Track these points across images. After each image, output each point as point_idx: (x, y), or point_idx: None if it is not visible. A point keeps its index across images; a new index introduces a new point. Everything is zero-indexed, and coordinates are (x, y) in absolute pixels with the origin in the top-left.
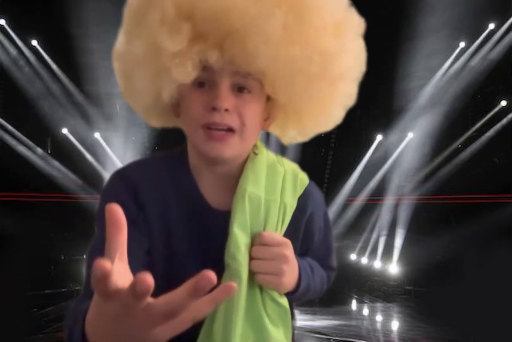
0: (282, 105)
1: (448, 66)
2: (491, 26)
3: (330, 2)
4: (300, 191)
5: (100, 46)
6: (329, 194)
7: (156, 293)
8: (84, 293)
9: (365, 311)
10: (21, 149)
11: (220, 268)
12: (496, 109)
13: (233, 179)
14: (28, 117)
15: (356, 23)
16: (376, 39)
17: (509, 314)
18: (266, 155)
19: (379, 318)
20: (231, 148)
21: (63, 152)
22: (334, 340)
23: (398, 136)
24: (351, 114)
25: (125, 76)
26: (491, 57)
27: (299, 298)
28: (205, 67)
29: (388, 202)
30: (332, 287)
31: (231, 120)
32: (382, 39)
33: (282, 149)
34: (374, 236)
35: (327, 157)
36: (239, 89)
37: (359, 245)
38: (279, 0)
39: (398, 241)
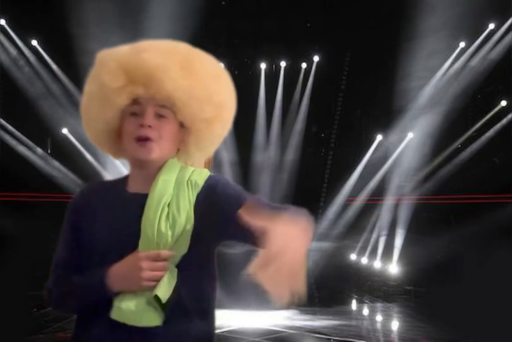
0: (188, 128)
1: (448, 66)
2: (491, 26)
3: (208, 59)
4: (204, 177)
5: (100, 46)
6: (329, 194)
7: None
8: (63, 273)
9: (365, 311)
10: (21, 149)
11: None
12: (496, 109)
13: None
14: (28, 117)
15: (224, 72)
16: (376, 39)
17: (509, 314)
18: (181, 165)
19: (379, 318)
20: (153, 152)
21: (63, 152)
22: (334, 340)
23: (398, 136)
24: (351, 114)
25: (84, 113)
26: (491, 57)
27: None
28: (136, 102)
29: (388, 202)
30: (332, 287)
31: (152, 133)
32: (382, 39)
33: (282, 149)
34: (374, 236)
35: (327, 157)
36: (159, 116)
37: (359, 245)
38: (177, 56)
39: (398, 241)
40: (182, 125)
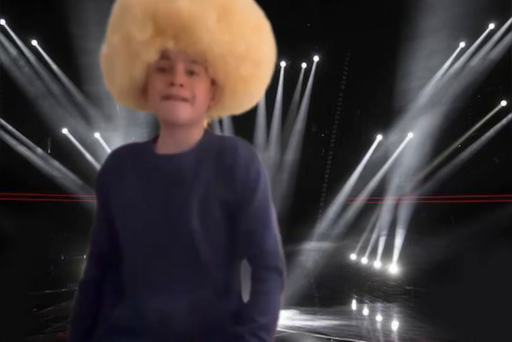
0: (221, 86)
1: (448, 66)
2: (491, 26)
3: (249, 7)
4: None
5: (100, 46)
6: (329, 194)
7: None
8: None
9: (365, 311)
10: (21, 149)
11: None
12: (496, 109)
13: (186, 142)
14: (28, 117)
15: (266, 22)
16: (376, 39)
17: (509, 314)
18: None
19: (379, 318)
20: (185, 112)
21: (63, 152)
22: (334, 340)
23: (398, 136)
24: (351, 114)
25: (107, 67)
26: (491, 57)
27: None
28: (164, 56)
29: (388, 202)
30: (332, 287)
31: (185, 92)
32: (382, 39)
33: (282, 149)
34: (374, 236)
35: (327, 157)
36: (190, 73)
37: (359, 245)
38: (214, 4)
39: (398, 241)
40: (213, 82)
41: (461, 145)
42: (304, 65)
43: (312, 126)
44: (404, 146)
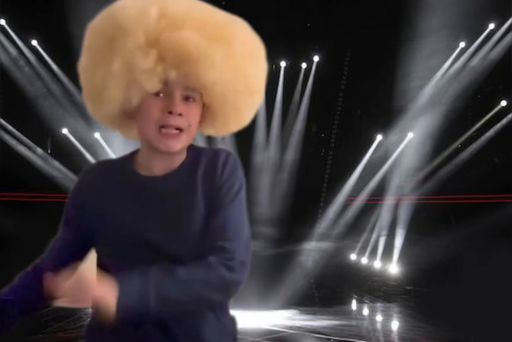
0: (214, 112)
1: (448, 66)
2: (491, 26)
3: (248, 36)
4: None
5: None
6: (329, 194)
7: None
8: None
9: (365, 311)
10: (21, 149)
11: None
12: (496, 109)
13: (172, 165)
14: (28, 117)
15: (262, 49)
16: (376, 39)
17: (509, 314)
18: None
19: (379, 318)
20: (180, 143)
21: (63, 152)
22: (334, 340)
23: (398, 136)
24: (351, 114)
25: (94, 86)
26: (491, 57)
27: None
28: (163, 81)
29: (388, 202)
30: (332, 287)
31: (182, 122)
32: (382, 39)
33: (282, 149)
34: (374, 236)
35: (327, 157)
36: (186, 99)
37: (359, 245)
38: (218, 36)
39: (398, 241)
40: (204, 104)
41: (461, 145)
42: (304, 65)
43: (312, 126)
44: (404, 146)
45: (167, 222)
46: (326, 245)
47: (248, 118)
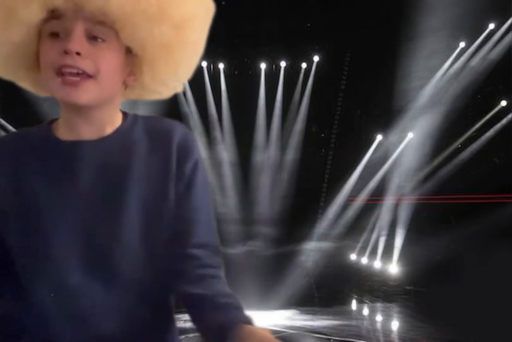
0: (139, 56)
1: (448, 66)
2: (491, 26)
3: None
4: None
5: None
6: (329, 194)
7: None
8: None
9: (365, 311)
10: None
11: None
12: (496, 109)
13: (100, 126)
14: (28, 117)
15: None
16: (376, 39)
17: (509, 314)
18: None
19: (379, 318)
20: (87, 94)
21: None
22: (334, 340)
23: (398, 136)
24: (351, 114)
25: None
26: (491, 57)
27: None
28: (58, 16)
29: (388, 202)
30: (332, 287)
31: (85, 64)
32: (382, 39)
33: (282, 149)
34: (374, 236)
35: (327, 157)
36: (94, 38)
37: (359, 245)
38: None
39: (398, 241)
40: (129, 50)
41: (461, 145)
42: (304, 65)
43: (312, 126)
44: (404, 146)
45: (96, 199)
46: (326, 245)
47: (185, 66)
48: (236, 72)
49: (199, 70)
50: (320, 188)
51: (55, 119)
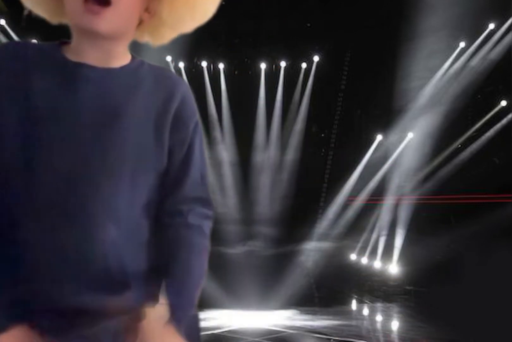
0: None
1: (448, 66)
2: (491, 26)
3: None
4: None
5: None
6: (329, 194)
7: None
8: None
9: (365, 311)
10: None
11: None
12: (496, 109)
13: (110, 57)
14: None
15: None
16: (376, 39)
17: (509, 314)
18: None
19: (379, 318)
20: (107, 23)
21: None
22: (334, 340)
23: (398, 136)
24: (351, 114)
25: None
26: (491, 57)
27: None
28: None
29: (388, 202)
30: (332, 287)
31: None
32: (382, 39)
33: (282, 150)
34: (374, 236)
35: (327, 157)
36: None
37: (359, 245)
38: None
39: (398, 241)
40: None
41: (461, 145)
42: (304, 65)
43: (312, 126)
44: (404, 146)
45: (91, 124)
46: (326, 245)
47: (204, 4)
48: (236, 72)
49: (199, 70)
50: (320, 188)
51: (66, 42)
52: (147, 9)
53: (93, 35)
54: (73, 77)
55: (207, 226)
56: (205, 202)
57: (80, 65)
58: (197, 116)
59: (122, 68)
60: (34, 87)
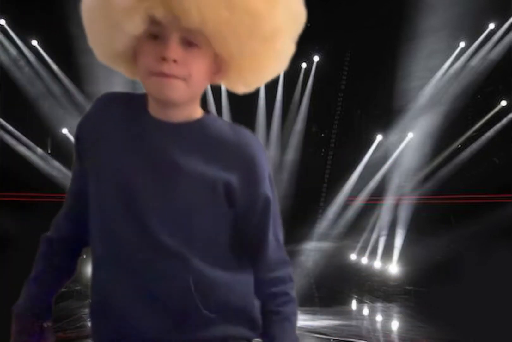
0: (226, 60)
1: (448, 66)
2: (491, 26)
3: None
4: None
5: None
6: (329, 194)
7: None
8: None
9: (365, 311)
10: (21, 149)
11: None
12: (496, 109)
13: (180, 118)
14: (28, 117)
15: None
16: (376, 39)
17: (509, 314)
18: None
19: (379, 318)
20: (177, 92)
21: (63, 152)
22: (334, 340)
23: (398, 136)
24: (351, 114)
25: (88, 33)
26: (491, 57)
27: None
28: (156, 22)
29: (388, 202)
30: (332, 287)
31: (179, 70)
32: (382, 39)
33: (282, 149)
34: (374, 236)
35: (327, 157)
36: (189, 44)
37: (359, 245)
38: None
39: (398, 241)
40: (217, 55)
41: (461, 145)
42: (304, 65)
43: (312, 126)
44: (404, 146)
45: (158, 170)
46: (326, 245)
47: (271, 69)
48: None
49: None
50: (320, 188)
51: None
52: (217, 72)
53: (164, 103)
54: (154, 134)
55: (291, 288)
56: (284, 263)
57: (159, 123)
58: (268, 176)
59: (196, 121)
60: (113, 138)
